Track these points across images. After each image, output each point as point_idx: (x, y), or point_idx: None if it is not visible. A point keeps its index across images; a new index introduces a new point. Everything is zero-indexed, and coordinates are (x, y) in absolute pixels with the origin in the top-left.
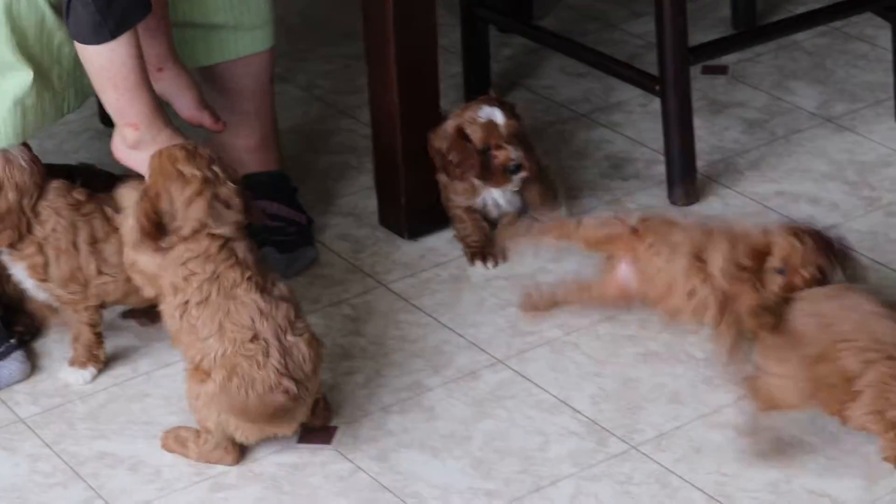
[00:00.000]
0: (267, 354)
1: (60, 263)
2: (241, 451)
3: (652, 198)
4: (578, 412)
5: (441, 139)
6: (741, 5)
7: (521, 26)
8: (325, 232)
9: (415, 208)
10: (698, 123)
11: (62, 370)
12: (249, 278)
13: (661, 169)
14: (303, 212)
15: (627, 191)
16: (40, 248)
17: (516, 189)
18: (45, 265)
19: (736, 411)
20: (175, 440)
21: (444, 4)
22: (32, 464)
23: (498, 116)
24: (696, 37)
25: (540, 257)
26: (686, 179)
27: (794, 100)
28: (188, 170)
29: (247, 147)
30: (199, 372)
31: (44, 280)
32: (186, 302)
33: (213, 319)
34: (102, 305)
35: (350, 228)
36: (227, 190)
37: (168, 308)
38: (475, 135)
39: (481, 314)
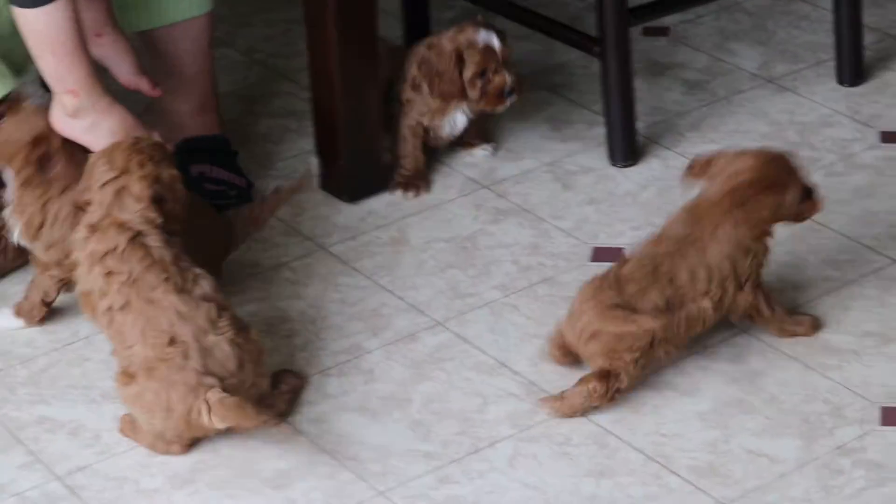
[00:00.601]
0: (186, 357)
1: (54, 229)
2: (189, 443)
3: (592, 160)
4: (517, 373)
5: (437, 58)
6: None
7: None
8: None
9: (354, 171)
10: (639, 85)
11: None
12: (167, 279)
13: (601, 130)
14: (243, 175)
15: (568, 152)
16: (42, 208)
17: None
18: (41, 226)
19: (675, 371)
20: (130, 425)
21: None
22: None
23: (495, 41)
24: None
25: (479, 220)
26: (626, 141)
27: (735, 61)
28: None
29: (187, 111)
30: (125, 375)
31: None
32: (111, 308)
33: (135, 326)
34: (66, 282)
35: None
36: (140, 187)
37: (99, 321)
38: (473, 59)
39: (421, 276)
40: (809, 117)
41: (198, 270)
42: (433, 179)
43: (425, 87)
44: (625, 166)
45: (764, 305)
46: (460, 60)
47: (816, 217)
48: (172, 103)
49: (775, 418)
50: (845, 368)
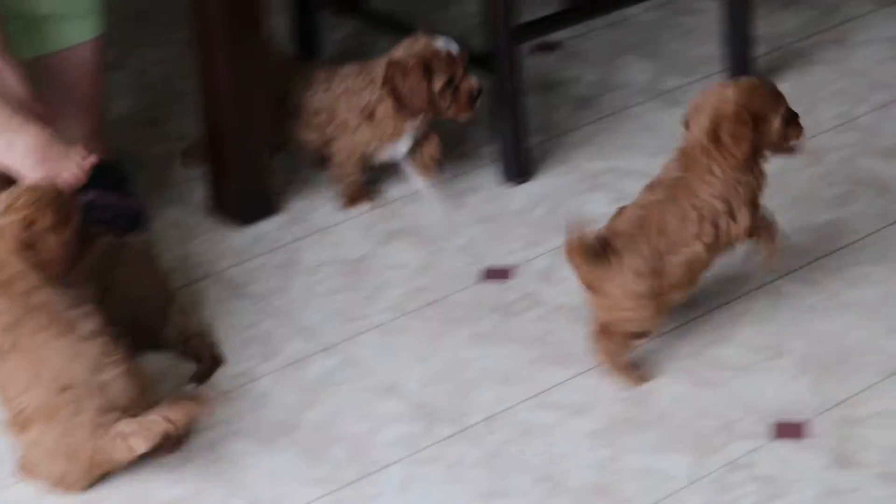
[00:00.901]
0: (82, 399)
1: None
2: (93, 482)
3: (483, 178)
4: (407, 396)
5: (402, 74)
6: None
7: (351, 8)
8: (157, 220)
9: (245, 194)
10: (530, 101)
11: None
12: (56, 321)
13: (492, 148)
14: (135, 200)
15: (461, 171)
16: None
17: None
18: None
19: (566, 391)
20: (30, 467)
21: None
22: None
23: (454, 47)
24: (528, 14)
25: (369, 240)
26: (517, 158)
27: (627, 75)
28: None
29: (79, 136)
30: (19, 423)
31: None
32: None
33: (26, 370)
34: None
35: (181, 216)
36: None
37: None
38: (440, 68)
39: (312, 299)
40: None
41: (86, 307)
42: (322, 203)
43: (379, 112)
44: (516, 184)
45: (763, 229)
46: (427, 72)
47: None
48: (63, 129)
49: (666, 435)
50: (735, 383)
